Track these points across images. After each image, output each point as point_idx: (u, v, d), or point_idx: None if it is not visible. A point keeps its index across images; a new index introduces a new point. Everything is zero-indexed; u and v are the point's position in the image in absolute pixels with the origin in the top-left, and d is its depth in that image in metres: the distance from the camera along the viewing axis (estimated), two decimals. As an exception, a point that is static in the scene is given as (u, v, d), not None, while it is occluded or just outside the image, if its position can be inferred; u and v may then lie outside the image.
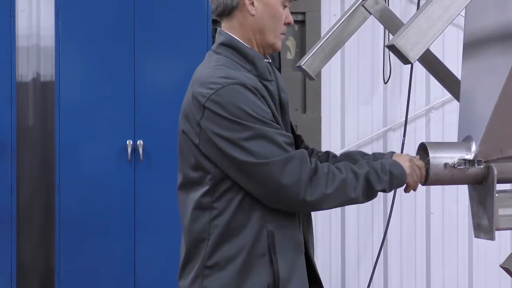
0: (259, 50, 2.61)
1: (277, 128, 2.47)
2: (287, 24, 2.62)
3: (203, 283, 2.49)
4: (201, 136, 2.46)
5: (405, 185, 2.61)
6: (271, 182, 2.41)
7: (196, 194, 2.51)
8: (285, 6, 2.59)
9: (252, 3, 2.56)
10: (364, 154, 2.76)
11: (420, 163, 2.65)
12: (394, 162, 2.58)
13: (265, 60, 2.60)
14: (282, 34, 2.61)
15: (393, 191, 2.99)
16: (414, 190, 2.66)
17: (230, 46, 2.58)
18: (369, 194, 2.53)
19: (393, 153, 2.71)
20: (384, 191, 2.55)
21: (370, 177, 2.51)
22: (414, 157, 2.68)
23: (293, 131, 2.66)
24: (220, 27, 2.65)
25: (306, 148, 2.71)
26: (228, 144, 2.42)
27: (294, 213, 2.54)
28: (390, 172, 2.54)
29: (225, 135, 2.42)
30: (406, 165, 2.59)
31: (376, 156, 2.74)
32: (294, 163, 2.42)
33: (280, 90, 2.60)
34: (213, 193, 2.48)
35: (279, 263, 2.48)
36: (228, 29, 2.60)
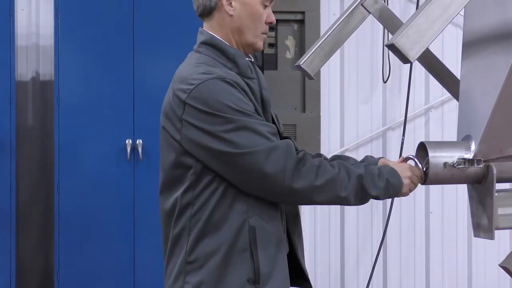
0: (239, 49, 2.62)
1: (259, 119, 2.48)
2: (269, 23, 2.63)
3: (186, 279, 2.50)
4: (183, 132, 2.47)
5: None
6: (255, 172, 2.41)
7: (177, 193, 2.52)
8: (265, 6, 2.60)
9: (230, 3, 2.59)
10: (356, 161, 2.74)
11: (419, 173, 2.64)
12: (393, 170, 2.57)
13: (247, 58, 2.62)
14: (263, 33, 2.62)
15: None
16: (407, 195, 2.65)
17: (211, 44, 2.61)
18: (361, 198, 2.51)
19: (380, 158, 2.72)
20: (377, 198, 2.53)
21: (364, 180, 2.50)
22: (413, 166, 2.66)
23: (280, 132, 2.66)
24: (202, 27, 2.69)
25: (297, 150, 2.70)
26: (210, 138, 2.43)
27: (277, 209, 2.54)
28: (387, 180, 2.53)
29: (207, 129, 2.43)
30: (405, 175, 2.58)
31: (369, 161, 2.72)
32: (279, 152, 2.42)
33: (262, 88, 2.62)
34: (194, 189, 2.49)
35: (260, 258, 2.48)
36: (209, 29, 2.65)
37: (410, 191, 2.61)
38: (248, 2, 2.58)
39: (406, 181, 2.57)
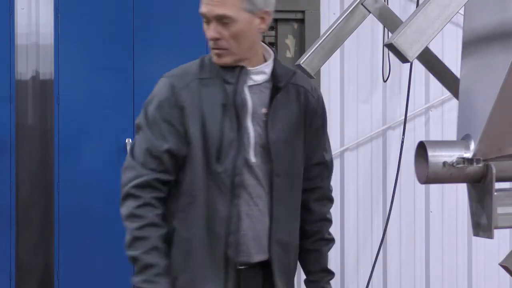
0: None
1: (157, 133, 2.66)
2: (210, 39, 2.68)
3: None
4: None
5: None
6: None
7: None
8: (206, 22, 2.67)
9: None
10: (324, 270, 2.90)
11: None
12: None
13: (244, 66, 2.71)
14: (213, 49, 2.68)
15: (391, 192, 3.02)
16: None
17: None
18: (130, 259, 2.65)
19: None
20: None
21: (137, 259, 2.62)
22: None
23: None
24: None
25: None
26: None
27: (201, 217, 2.67)
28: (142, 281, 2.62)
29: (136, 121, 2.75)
30: None
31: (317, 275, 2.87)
32: (126, 172, 2.72)
33: (237, 94, 2.67)
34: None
35: (172, 256, 2.66)
36: None
37: None
38: None
39: None
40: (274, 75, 2.74)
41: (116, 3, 4.98)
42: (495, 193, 2.60)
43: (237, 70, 2.69)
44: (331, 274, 2.88)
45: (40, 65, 5.59)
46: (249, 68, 2.71)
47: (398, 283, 5.77)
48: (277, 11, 5.88)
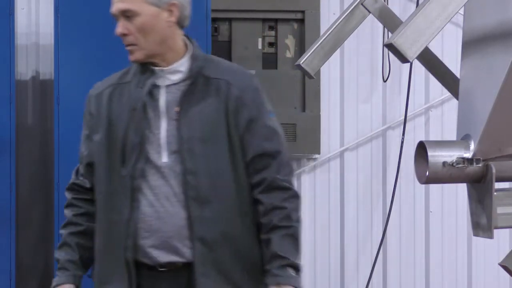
0: None
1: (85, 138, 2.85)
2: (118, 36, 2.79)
3: None
4: None
5: None
6: None
7: None
8: (117, 21, 2.77)
9: None
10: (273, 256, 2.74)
11: None
12: None
13: (152, 65, 2.75)
14: (125, 47, 2.77)
15: (391, 192, 2.99)
16: None
17: None
18: None
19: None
20: None
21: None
22: None
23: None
24: None
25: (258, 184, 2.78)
26: None
27: (100, 220, 2.81)
28: None
29: None
30: None
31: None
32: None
33: (144, 97, 2.73)
34: None
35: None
36: None
37: None
38: None
39: None
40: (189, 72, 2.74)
41: (116, 3, 4.97)
42: (495, 193, 2.61)
43: (148, 73, 2.73)
44: (283, 258, 2.69)
45: (40, 65, 5.59)
46: (164, 68, 2.72)
47: (398, 283, 5.76)
48: (277, 11, 5.85)
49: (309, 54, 3.44)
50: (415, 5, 5.41)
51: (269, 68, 5.59)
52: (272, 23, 5.62)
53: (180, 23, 2.78)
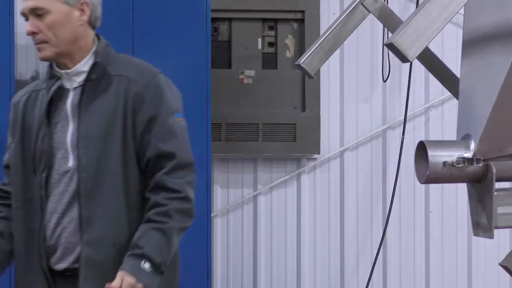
0: None
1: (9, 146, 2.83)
2: (27, 35, 2.73)
3: None
4: None
5: None
6: None
7: None
8: (26, 21, 2.71)
9: None
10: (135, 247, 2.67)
11: None
12: None
13: (58, 68, 2.77)
14: (35, 45, 2.74)
15: (391, 192, 2.98)
16: None
17: None
18: None
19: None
20: None
21: None
22: None
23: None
24: None
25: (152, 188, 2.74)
26: None
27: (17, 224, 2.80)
28: None
29: None
30: None
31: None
32: None
33: (46, 103, 2.74)
34: None
35: None
36: None
37: None
38: None
39: None
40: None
41: (115, 3, 4.97)
42: (495, 193, 2.61)
43: (55, 78, 2.74)
44: (139, 248, 2.63)
45: (40, 65, 5.59)
46: (68, 71, 2.73)
47: (398, 283, 5.76)
48: (277, 11, 5.84)
49: (309, 54, 3.44)
50: (415, 5, 5.41)
51: (269, 68, 5.59)
52: (272, 23, 5.62)
53: (92, 23, 2.78)
